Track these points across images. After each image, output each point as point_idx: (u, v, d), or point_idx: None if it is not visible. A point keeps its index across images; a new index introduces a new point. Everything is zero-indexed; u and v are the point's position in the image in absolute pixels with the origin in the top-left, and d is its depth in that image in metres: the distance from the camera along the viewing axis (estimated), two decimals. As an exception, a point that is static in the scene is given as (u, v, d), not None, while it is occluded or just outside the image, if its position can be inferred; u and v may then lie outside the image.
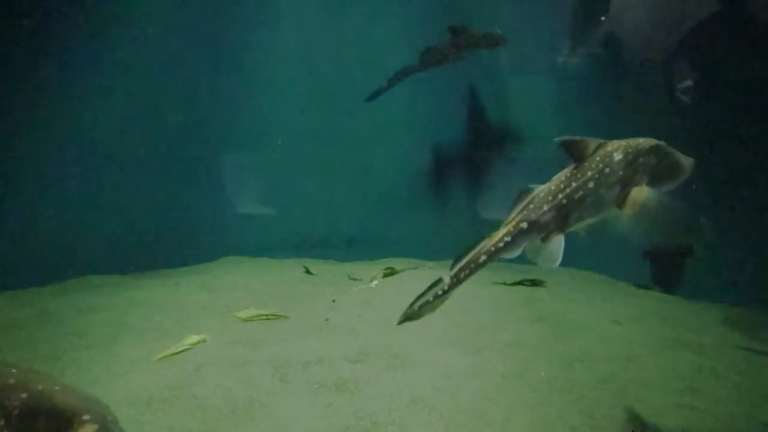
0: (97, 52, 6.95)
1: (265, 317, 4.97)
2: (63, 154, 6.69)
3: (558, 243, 2.66)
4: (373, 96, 7.68)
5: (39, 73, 6.42)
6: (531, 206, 2.69)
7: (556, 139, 2.74)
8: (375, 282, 5.99)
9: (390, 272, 6.37)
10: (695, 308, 5.13)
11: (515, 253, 2.75)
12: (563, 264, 7.24)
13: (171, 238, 7.57)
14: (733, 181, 6.09)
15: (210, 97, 8.21)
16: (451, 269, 2.75)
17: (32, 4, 6.31)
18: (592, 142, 2.72)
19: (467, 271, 2.70)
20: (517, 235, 2.68)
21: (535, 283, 5.59)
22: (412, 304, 2.85)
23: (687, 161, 2.71)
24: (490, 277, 5.91)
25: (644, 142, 2.70)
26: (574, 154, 2.72)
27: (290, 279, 6.63)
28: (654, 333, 4.27)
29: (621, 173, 2.63)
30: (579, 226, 2.74)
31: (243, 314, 4.98)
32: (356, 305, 5.32)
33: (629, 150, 2.66)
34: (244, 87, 8.51)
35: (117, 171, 7.24)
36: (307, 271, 6.92)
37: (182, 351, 4.08)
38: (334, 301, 5.42)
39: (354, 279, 6.37)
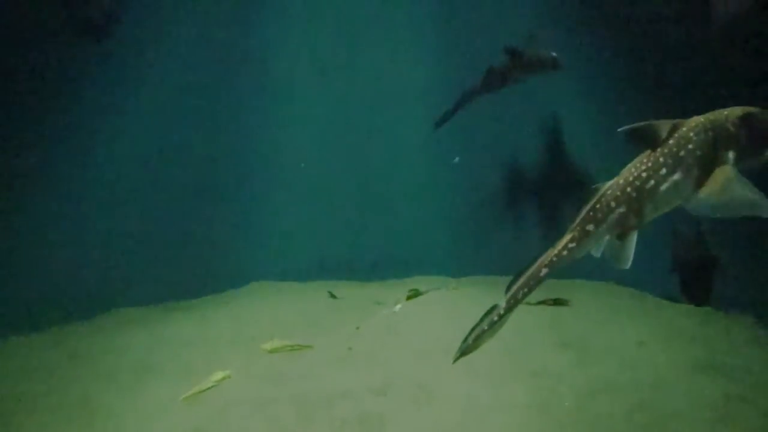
0: (120, 76, 7.10)
1: (289, 348, 5.01)
2: (85, 185, 6.81)
3: (631, 243, 2.50)
4: (441, 121, 7.65)
5: (56, 102, 6.55)
6: (598, 206, 2.53)
7: (620, 129, 2.53)
8: (398, 306, 5.99)
9: (414, 294, 6.36)
10: (724, 323, 5.02)
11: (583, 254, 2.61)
12: (588, 277, 7.09)
13: (198, 266, 7.69)
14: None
15: (233, 121, 8.33)
16: (507, 290, 2.61)
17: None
18: (665, 125, 2.50)
19: (526, 289, 2.56)
20: (582, 240, 2.54)
21: (558, 302, 5.53)
22: (466, 338, 2.70)
23: None
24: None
25: (729, 113, 2.45)
26: (645, 141, 2.52)
27: (315, 304, 6.67)
28: (681, 355, 4.18)
29: (699, 153, 2.41)
30: (655, 216, 2.55)
31: (268, 346, 5.03)
32: (380, 332, 5.33)
33: (708, 127, 2.43)
34: (268, 110, 8.63)
35: (141, 203, 7.38)
36: (332, 296, 6.95)
37: (208, 389, 4.14)
38: (358, 328, 5.44)
39: (378, 303, 6.38)
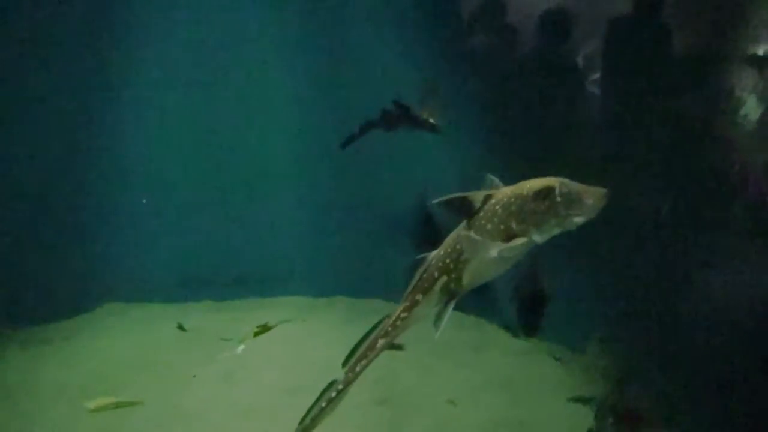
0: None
1: (115, 406, 4.87)
2: None
3: (448, 310, 2.47)
4: (345, 143, 7.59)
5: None
6: (425, 275, 2.54)
7: (434, 201, 2.53)
8: (242, 347, 5.97)
9: (261, 330, 6.35)
10: (540, 363, 5.40)
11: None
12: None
13: (31, 288, 7.08)
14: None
15: (80, 127, 7.79)
16: (344, 364, 2.58)
17: None
18: (478, 196, 2.49)
19: (364, 361, 2.54)
20: (413, 309, 2.55)
21: (394, 347, 5.70)
22: (304, 418, 2.57)
23: (593, 196, 2.38)
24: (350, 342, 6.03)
25: (531, 186, 2.42)
26: (461, 212, 2.51)
27: (160, 339, 6.51)
28: (488, 414, 4.47)
29: (503, 227, 2.42)
30: (476, 284, 2.52)
31: (92, 404, 4.85)
32: (216, 381, 5.32)
33: (511, 200, 2.42)
34: (122, 116, 8.17)
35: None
36: (180, 327, 6.79)
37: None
38: (194, 377, 5.38)
39: (224, 339, 6.30)
